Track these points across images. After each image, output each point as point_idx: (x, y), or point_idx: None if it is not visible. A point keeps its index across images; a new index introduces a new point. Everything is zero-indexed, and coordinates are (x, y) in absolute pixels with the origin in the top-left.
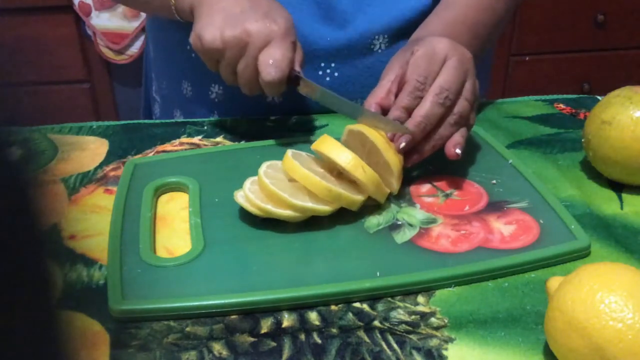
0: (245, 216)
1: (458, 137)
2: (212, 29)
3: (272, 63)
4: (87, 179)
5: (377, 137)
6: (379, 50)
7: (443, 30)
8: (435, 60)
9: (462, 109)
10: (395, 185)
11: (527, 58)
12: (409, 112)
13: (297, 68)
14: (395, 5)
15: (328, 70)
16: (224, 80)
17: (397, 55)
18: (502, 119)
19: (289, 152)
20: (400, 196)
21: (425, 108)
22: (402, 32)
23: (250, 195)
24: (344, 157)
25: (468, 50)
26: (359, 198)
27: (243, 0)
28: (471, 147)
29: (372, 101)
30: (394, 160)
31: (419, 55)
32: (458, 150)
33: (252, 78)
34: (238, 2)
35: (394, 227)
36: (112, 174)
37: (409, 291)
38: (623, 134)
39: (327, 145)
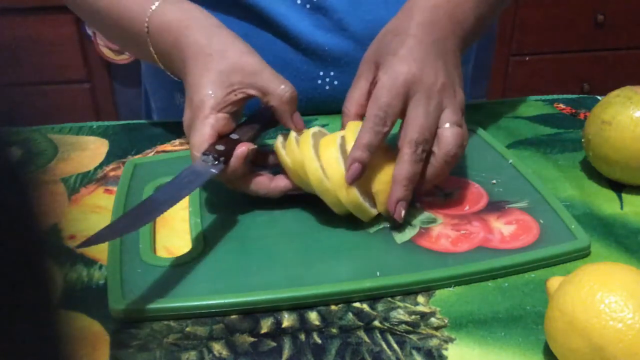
0: (245, 216)
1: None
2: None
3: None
4: (87, 179)
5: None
6: None
7: (422, 16)
8: (398, 94)
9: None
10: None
11: (527, 58)
12: (370, 149)
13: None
14: (389, 9)
15: (327, 79)
16: None
17: (371, 50)
18: (502, 119)
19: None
20: None
21: (406, 169)
22: None
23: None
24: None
25: (451, 40)
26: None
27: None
28: (471, 147)
29: (351, 107)
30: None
31: (380, 86)
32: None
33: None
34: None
35: (394, 226)
36: (112, 174)
37: (409, 291)
38: (623, 134)
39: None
